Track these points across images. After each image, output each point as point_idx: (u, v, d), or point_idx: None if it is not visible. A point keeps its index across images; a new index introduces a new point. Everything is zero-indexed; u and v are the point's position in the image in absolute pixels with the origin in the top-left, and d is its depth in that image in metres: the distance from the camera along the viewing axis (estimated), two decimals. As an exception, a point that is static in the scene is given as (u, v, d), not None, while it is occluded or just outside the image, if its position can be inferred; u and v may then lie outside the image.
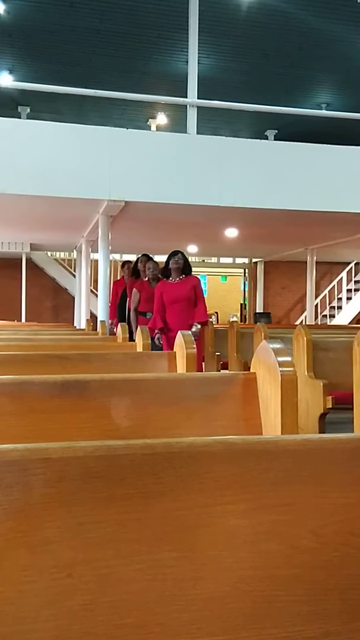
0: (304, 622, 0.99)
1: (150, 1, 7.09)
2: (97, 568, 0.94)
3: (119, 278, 8.97)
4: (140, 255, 6.73)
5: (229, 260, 15.26)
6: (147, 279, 6.31)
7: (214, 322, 6.15)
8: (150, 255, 6.68)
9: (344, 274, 14.83)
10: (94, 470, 0.97)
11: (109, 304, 7.66)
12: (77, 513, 0.95)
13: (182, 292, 5.47)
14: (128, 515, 0.97)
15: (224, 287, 16.25)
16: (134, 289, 6.34)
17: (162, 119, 10.50)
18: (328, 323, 14.13)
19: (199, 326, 5.50)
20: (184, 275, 5.60)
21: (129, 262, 7.88)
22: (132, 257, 13.46)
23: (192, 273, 5.92)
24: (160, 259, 6.74)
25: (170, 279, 5.55)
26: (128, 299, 6.67)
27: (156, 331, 5.56)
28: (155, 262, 6.40)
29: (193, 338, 5.25)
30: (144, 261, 6.53)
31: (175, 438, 1.06)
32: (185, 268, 5.59)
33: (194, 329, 5.35)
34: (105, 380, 1.88)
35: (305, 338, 4.60)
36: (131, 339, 5.71)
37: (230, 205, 6.74)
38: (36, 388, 1.82)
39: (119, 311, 7.14)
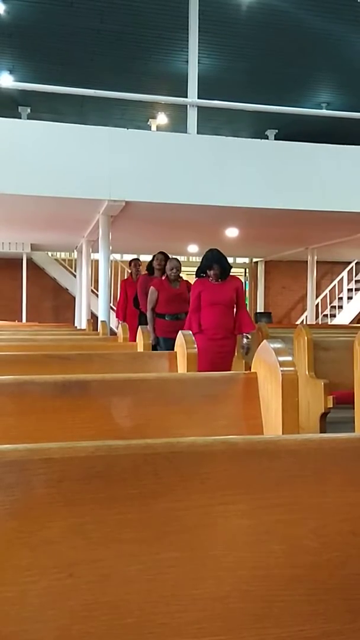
0: (305, 622, 0.99)
1: (150, 1, 7.08)
2: (98, 568, 0.94)
3: (126, 277, 8.86)
4: (157, 253, 6.40)
5: (230, 260, 15.23)
6: (164, 277, 5.80)
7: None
8: (168, 254, 6.37)
9: (344, 274, 14.82)
10: (95, 470, 0.97)
11: (118, 304, 7.55)
12: (78, 513, 0.95)
13: (223, 295, 4.88)
14: (129, 515, 0.97)
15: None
16: (152, 288, 5.74)
17: (162, 118, 10.50)
18: (329, 323, 14.12)
19: (250, 337, 5.03)
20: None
21: (136, 259, 7.74)
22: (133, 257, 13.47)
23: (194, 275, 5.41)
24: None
25: (210, 279, 4.93)
26: (139, 295, 6.33)
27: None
28: (178, 261, 5.90)
29: (245, 351, 5.02)
30: (159, 259, 6.24)
31: (176, 438, 1.06)
32: (225, 272, 4.95)
33: (245, 341, 4.95)
34: (106, 381, 1.88)
35: (306, 338, 4.61)
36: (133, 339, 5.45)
37: (231, 205, 6.74)
38: (37, 388, 1.82)
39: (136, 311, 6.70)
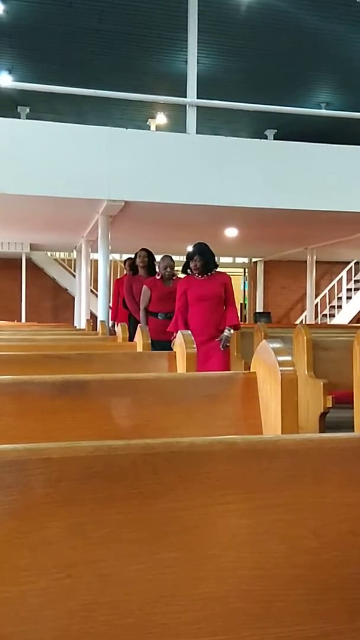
0: (304, 622, 0.98)
1: (149, 1, 7.08)
2: (98, 568, 0.94)
3: (119, 277, 8.80)
4: (139, 250, 6.29)
5: (229, 259, 15.27)
6: (159, 277, 5.70)
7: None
8: (150, 250, 6.29)
9: (343, 274, 14.84)
10: (94, 470, 0.97)
11: (111, 304, 7.52)
12: (77, 513, 0.95)
13: (210, 290, 4.71)
14: (128, 515, 0.97)
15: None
16: (144, 287, 5.67)
17: (161, 118, 10.50)
18: (328, 322, 14.13)
19: (232, 331, 4.79)
20: (211, 272, 4.85)
21: (131, 258, 7.69)
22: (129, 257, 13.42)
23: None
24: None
25: (197, 275, 4.81)
26: (125, 295, 6.25)
27: (174, 335, 4.62)
28: (171, 258, 5.72)
29: (225, 344, 4.85)
30: (142, 256, 6.15)
31: (176, 438, 1.06)
32: (208, 265, 4.79)
33: (226, 333, 4.70)
34: (105, 380, 1.88)
35: (305, 337, 4.61)
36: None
37: (230, 205, 6.74)
38: (36, 388, 1.82)
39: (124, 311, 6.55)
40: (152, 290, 5.62)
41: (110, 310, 7.98)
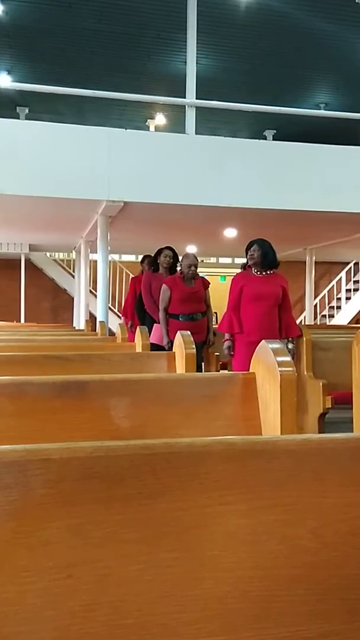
0: (304, 622, 0.99)
1: (148, 1, 7.09)
2: (97, 568, 0.94)
3: (137, 275, 8.41)
4: (164, 248, 5.85)
5: (228, 260, 15.26)
6: (181, 274, 5.28)
7: (214, 323, 5.76)
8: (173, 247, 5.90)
9: (343, 274, 14.83)
10: (94, 471, 0.97)
11: (126, 303, 7.34)
12: (76, 513, 0.95)
13: (269, 289, 4.35)
14: (128, 515, 0.97)
15: (223, 287, 16.19)
16: (164, 286, 5.23)
17: (160, 119, 10.50)
18: (327, 323, 14.13)
19: (295, 342, 4.56)
20: (271, 271, 4.51)
21: (149, 256, 6.96)
22: (132, 258, 13.41)
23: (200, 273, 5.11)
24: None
25: (255, 271, 4.48)
26: (143, 293, 5.87)
27: (226, 337, 4.46)
28: (195, 257, 5.37)
29: (291, 357, 4.51)
30: (168, 255, 5.74)
31: (175, 438, 1.06)
32: (267, 257, 4.44)
33: (291, 346, 4.49)
34: (104, 381, 1.88)
35: (304, 338, 4.61)
36: (155, 346, 4.99)
37: (229, 206, 6.74)
38: (35, 389, 1.82)
39: (137, 311, 6.17)
40: (173, 290, 5.19)
41: (124, 308, 7.80)
